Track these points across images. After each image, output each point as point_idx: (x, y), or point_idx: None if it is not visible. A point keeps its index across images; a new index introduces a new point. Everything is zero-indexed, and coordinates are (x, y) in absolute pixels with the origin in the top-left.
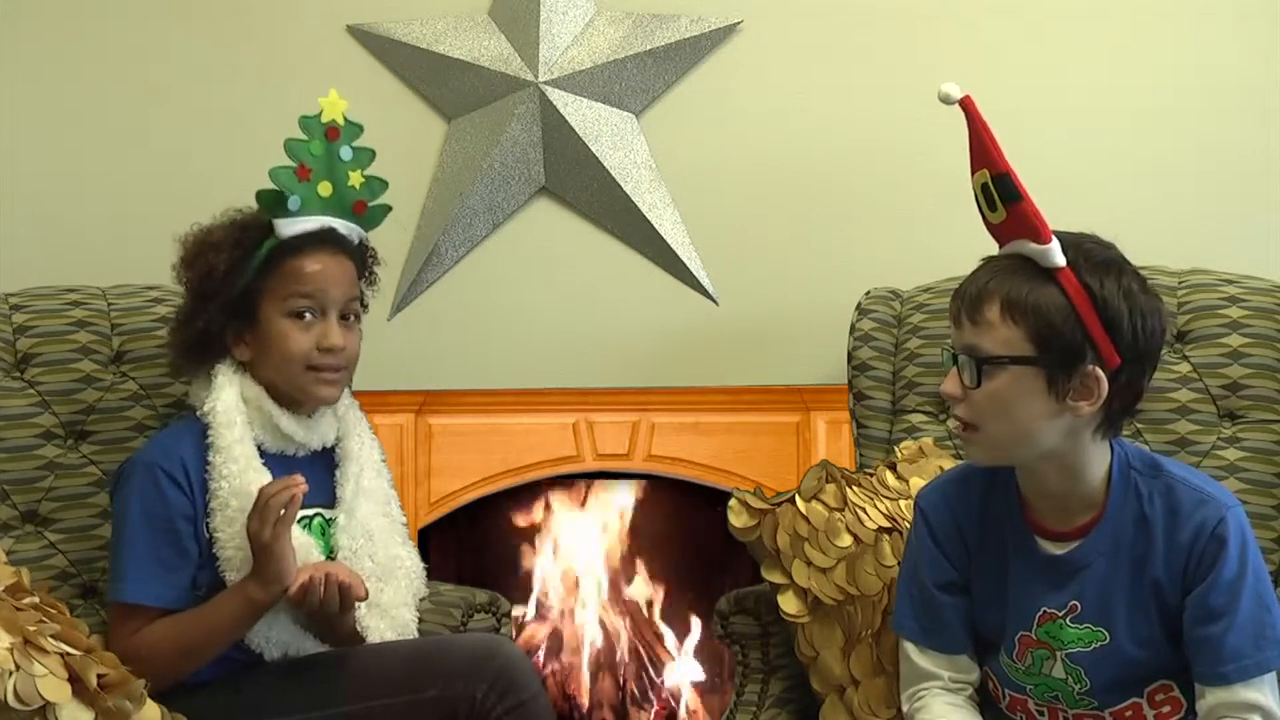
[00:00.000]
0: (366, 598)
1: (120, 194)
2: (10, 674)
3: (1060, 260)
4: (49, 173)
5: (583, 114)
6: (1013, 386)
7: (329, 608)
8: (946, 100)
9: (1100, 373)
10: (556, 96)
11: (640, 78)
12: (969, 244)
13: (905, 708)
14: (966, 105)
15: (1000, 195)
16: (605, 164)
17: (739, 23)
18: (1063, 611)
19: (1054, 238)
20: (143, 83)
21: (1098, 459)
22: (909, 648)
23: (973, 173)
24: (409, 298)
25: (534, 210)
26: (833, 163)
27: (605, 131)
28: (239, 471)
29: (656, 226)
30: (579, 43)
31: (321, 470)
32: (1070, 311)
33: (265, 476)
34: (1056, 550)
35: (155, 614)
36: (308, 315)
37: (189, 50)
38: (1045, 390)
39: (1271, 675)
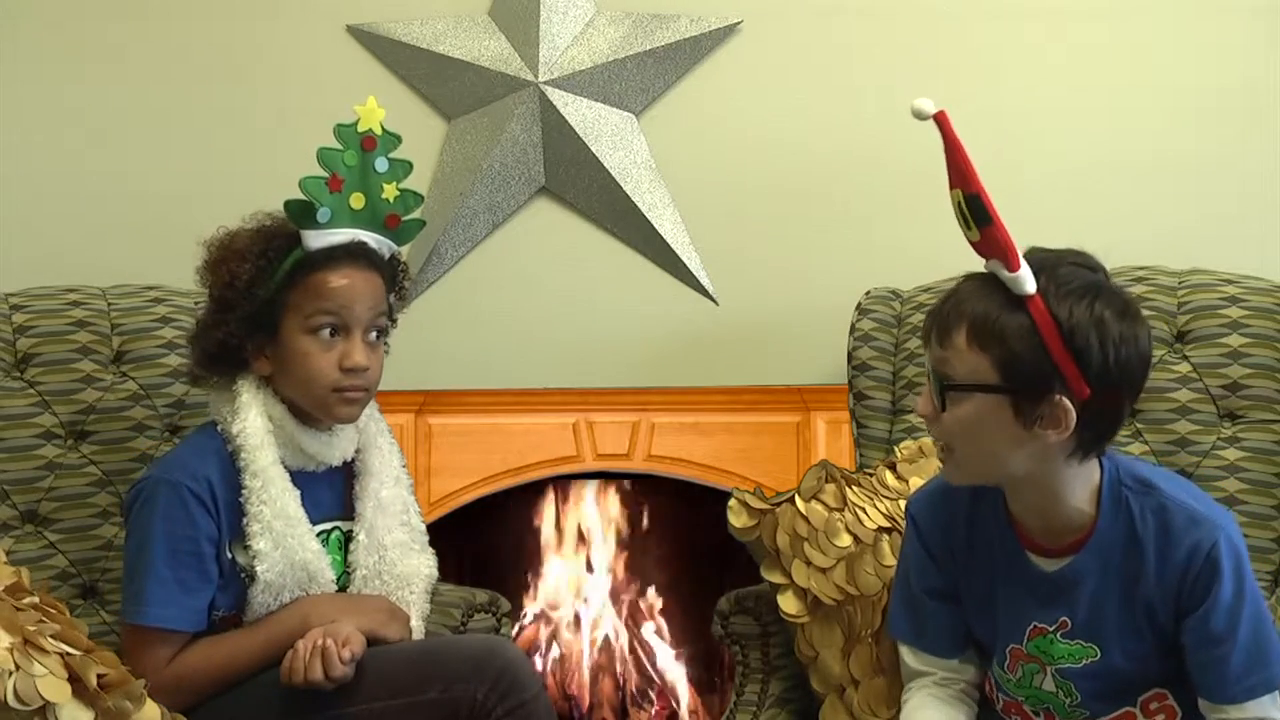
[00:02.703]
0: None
1: (120, 194)
2: (10, 674)
3: (1030, 288)
4: (49, 173)
5: (583, 114)
6: (978, 413)
7: (312, 674)
8: (920, 115)
9: (1068, 403)
10: (556, 96)
11: (640, 78)
12: (968, 245)
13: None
14: (940, 121)
15: (974, 217)
16: (605, 164)
17: (739, 23)
18: (1053, 627)
19: (1024, 264)
20: (143, 83)
21: (1079, 481)
22: (903, 649)
23: (950, 188)
24: (409, 298)
25: (534, 210)
26: (833, 163)
27: (605, 131)
28: (278, 494)
29: (656, 226)
30: (579, 43)
31: (339, 481)
32: (1037, 340)
33: (296, 496)
34: (1046, 567)
35: (178, 639)
36: (330, 333)
37: (189, 50)
38: (1012, 418)
39: (1275, 691)
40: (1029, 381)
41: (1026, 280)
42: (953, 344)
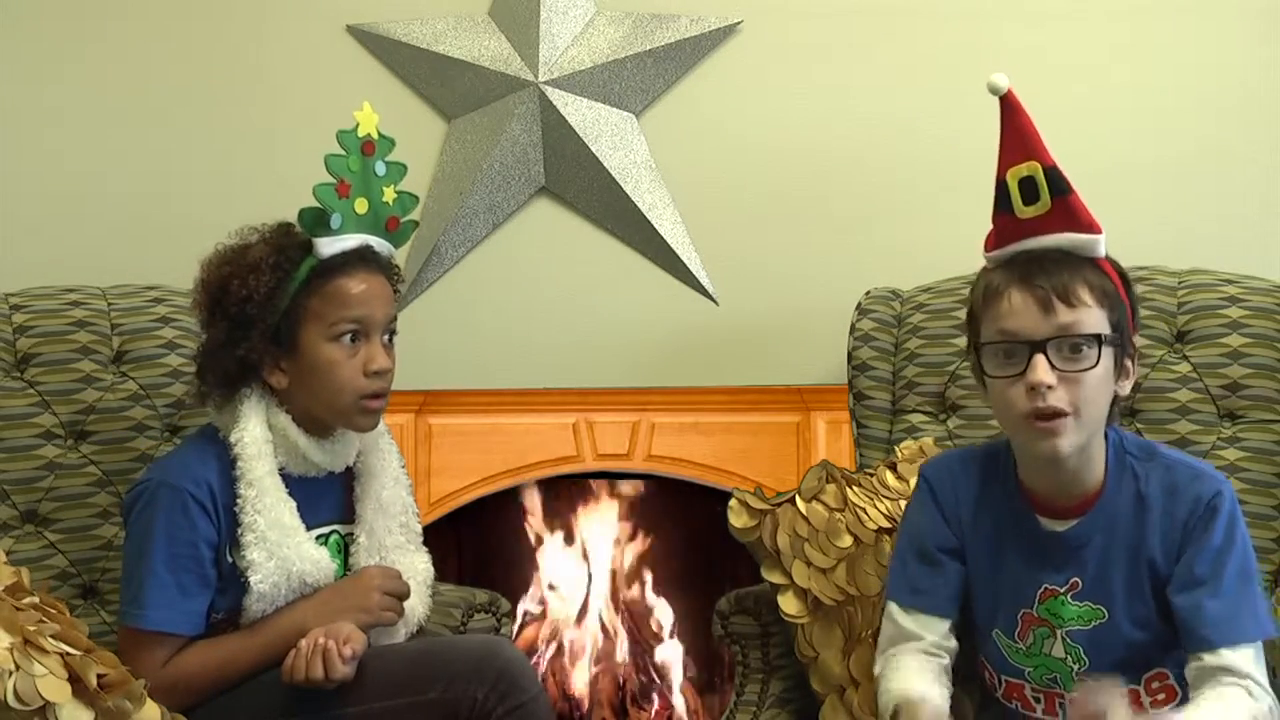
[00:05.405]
0: (346, 672)
1: (120, 194)
2: (10, 674)
3: (1104, 249)
4: (49, 173)
5: (583, 114)
6: (1105, 367)
7: (313, 673)
8: (995, 90)
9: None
10: (556, 96)
11: (640, 78)
12: (969, 244)
13: (878, 668)
14: (1010, 98)
15: (1050, 187)
16: (605, 164)
17: (739, 23)
18: (1064, 588)
19: None
20: (143, 83)
21: (1097, 443)
22: (893, 609)
23: (1009, 165)
24: (409, 298)
25: (534, 210)
26: (832, 163)
27: (605, 131)
28: (272, 505)
29: (656, 226)
30: (579, 43)
31: (339, 485)
32: (1119, 295)
33: (291, 506)
34: (1056, 527)
35: (176, 641)
36: (353, 338)
37: (189, 51)
38: (1113, 370)
39: (1255, 647)
40: (1125, 332)
41: (1104, 242)
42: (1082, 302)
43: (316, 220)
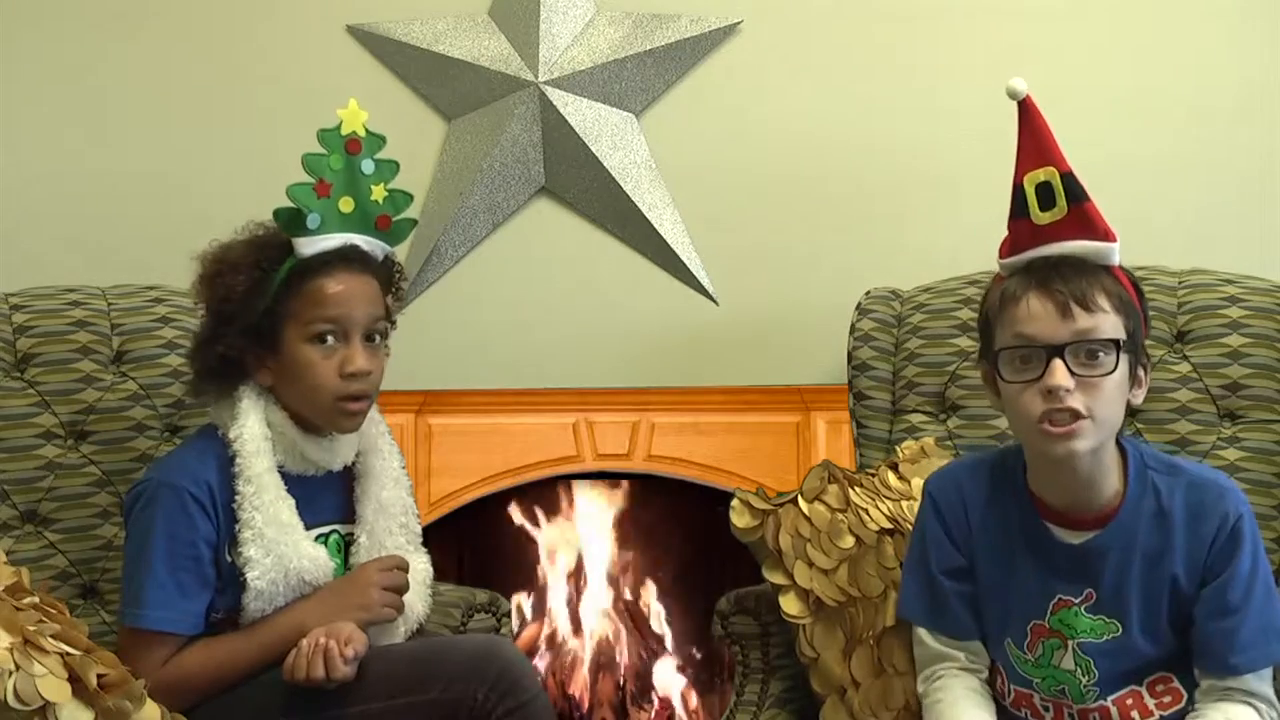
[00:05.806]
0: (349, 671)
1: (120, 194)
2: (10, 674)
3: (1119, 258)
4: (49, 173)
5: (583, 114)
6: (1122, 372)
7: (314, 673)
8: (1014, 95)
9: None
10: (556, 96)
11: (640, 78)
12: (968, 244)
13: (921, 688)
14: (1028, 103)
15: (1067, 194)
16: (605, 164)
17: (739, 23)
18: (1078, 599)
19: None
20: (143, 83)
21: (1111, 455)
22: (920, 632)
23: (1026, 171)
24: (409, 298)
25: (534, 210)
26: (832, 163)
27: (605, 131)
28: (271, 501)
29: (656, 226)
30: (579, 43)
31: (338, 485)
32: (1133, 303)
33: (290, 504)
34: (1071, 539)
35: (175, 641)
36: (330, 339)
37: (189, 51)
38: (1129, 376)
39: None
40: (1141, 342)
41: (1118, 250)
42: (1100, 308)
43: (292, 220)
